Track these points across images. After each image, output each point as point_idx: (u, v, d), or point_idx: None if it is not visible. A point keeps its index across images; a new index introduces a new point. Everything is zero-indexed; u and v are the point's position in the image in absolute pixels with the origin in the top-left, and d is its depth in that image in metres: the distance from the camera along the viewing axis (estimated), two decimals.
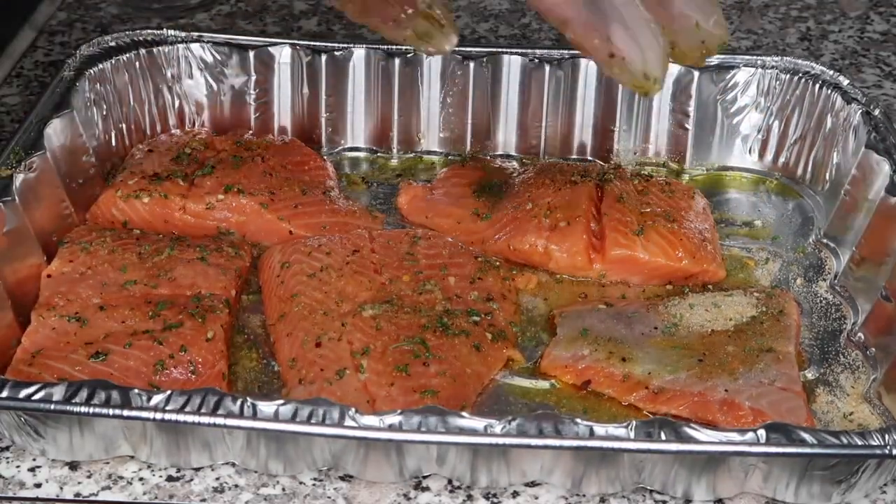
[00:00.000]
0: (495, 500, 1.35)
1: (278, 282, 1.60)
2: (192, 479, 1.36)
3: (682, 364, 1.49)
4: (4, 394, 1.28)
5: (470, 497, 1.35)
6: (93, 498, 1.35)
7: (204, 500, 1.34)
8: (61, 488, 1.36)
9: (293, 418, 1.26)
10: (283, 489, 1.35)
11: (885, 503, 1.35)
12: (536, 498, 1.35)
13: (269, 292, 1.61)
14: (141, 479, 1.36)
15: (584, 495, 1.35)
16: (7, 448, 1.40)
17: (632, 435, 1.25)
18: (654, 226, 1.70)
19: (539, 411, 1.30)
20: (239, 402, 1.26)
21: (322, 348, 1.47)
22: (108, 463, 1.38)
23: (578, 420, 1.26)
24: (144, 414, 1.27)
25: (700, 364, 1.48)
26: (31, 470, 1.38)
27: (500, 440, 1.25)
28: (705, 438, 1.24)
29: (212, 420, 1.26)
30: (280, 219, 1.74)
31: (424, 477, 1.37)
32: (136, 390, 1.27)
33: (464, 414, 1.26)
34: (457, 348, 1.49)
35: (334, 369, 1.44)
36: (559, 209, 1.72)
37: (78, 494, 1.35)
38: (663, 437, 1.24)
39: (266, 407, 1.26)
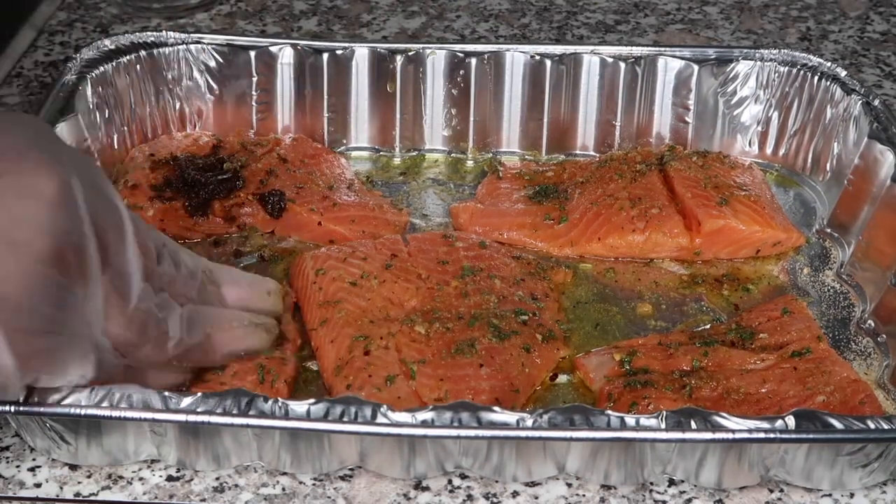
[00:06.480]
0: (495, 500, 1.34)
1: (315, 288, 1.58)
2: (191, 479, 1.36)
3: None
4: (34, 399, 1.26)
5: (470, 497, 1.35)
6: (93, 498, 1.34)
7: (204, 500, 1.34)
8: (61, 488, 1.35)
9: (325, 417, 1.26)
10: (283, 489, 1.35)
11: (886, 503, 1.36)
12: (536, 498, 1.35)
13: (306, 299, 1.59)
14: (141, 478, 1.36)
15: (584, 495, 1.35)
16: (7, 448, 1.39)
17: (663, 425, 1.25)
18: (735, 196, 1.72)
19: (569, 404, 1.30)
20: (270, 403, 1.26)
21: (370, 356, 1.45)
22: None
23: (609, 412, 1.26)
24: (175, 417, 1.26)
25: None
26: (31, 470, 1.37)
27: (533, 433, 1.25)
28: (735, 426, 1.25)
29: (245, 421, 1.25)
30: (312, 209, 1.74)
31: (425, 478, 1.37)
32: (167, 393, 1.26)
33: (495, 409, 1.26)
34: (508, 351, 1.48)
35: (383, 375, 1.42)
36: (643, 198, 1.73)
37: (78, 494, 1.34)
38: (693, 426, 1.25)
39: (298, 406, 1.26)
